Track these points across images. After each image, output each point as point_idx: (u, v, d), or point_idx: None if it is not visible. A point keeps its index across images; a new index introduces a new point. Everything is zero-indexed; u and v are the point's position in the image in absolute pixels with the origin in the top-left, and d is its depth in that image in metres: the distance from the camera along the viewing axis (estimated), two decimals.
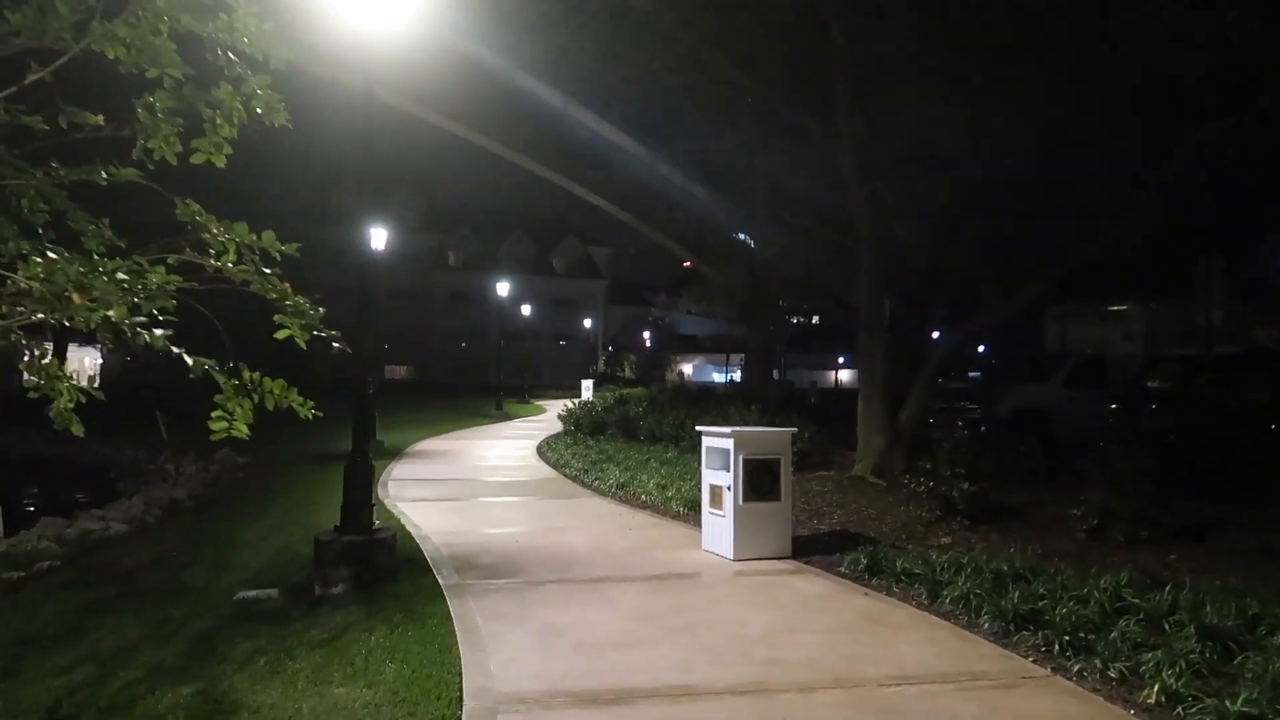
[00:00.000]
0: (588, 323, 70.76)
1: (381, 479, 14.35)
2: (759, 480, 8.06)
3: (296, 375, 3.72)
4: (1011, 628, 5.58)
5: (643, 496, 12.11)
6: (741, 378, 49.18)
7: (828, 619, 6.04)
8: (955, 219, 10.96)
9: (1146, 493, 7.89)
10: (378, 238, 19.22)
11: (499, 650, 5.20)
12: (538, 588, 6.84)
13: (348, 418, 7.58)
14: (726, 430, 8.13)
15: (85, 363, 64.77)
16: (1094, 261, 11.35)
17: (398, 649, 5.21)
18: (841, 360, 78.85)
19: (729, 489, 8.02)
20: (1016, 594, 5.91)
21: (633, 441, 19.58)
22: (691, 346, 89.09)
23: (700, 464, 8.69)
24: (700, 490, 8.87)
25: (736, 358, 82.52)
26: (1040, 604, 5.78)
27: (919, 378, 11.62)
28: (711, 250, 20.69)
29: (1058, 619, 5.47)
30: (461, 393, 46.15)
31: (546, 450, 19.18)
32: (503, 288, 34.10)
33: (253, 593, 7.22)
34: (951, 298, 11.99)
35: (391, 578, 7.05)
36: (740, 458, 7.99)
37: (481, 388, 43.92)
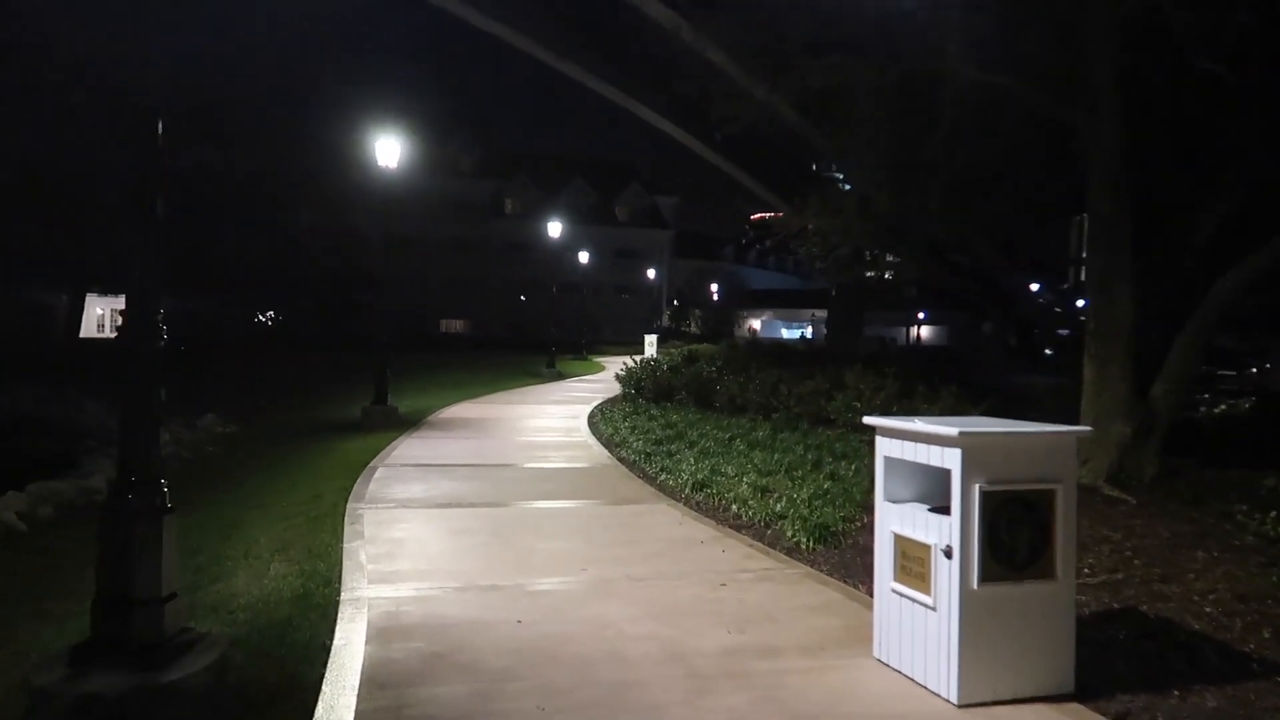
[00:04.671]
0: (651, 274, 66.32)
1: (374, 462, 10.56)
2: (1014, 535, 3.83)
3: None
4: None
5: (734, 507, 7.97)
6: (827, 333, 44.57)
7: None
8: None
9: None
10: (386, 153, 15.32)
11: None
12: None
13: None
14: (947, 430, 3.84)
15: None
16: None
17: None
18: (922, 315, 73.39)
19: (945, 551, 3.82)
20: None
21: (707, 410, 15.46)
22: (760, 301, 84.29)
23: (875, 488, 4.46)
24: (876, 540, 4.69)
25: (807, 313, 77.59)
26: None
27: (1188, 330, 7.14)
28: (807, 191, 16.01)
29: None
30: (518, 348, 42.67)
31: (600, 421, 15.16)
32: (554, 228, 29.88)
33: None
34: (1237, 201, 7.43)
35: None
36: (976, 488, 3.75)
37: (539, 343, 40.26)
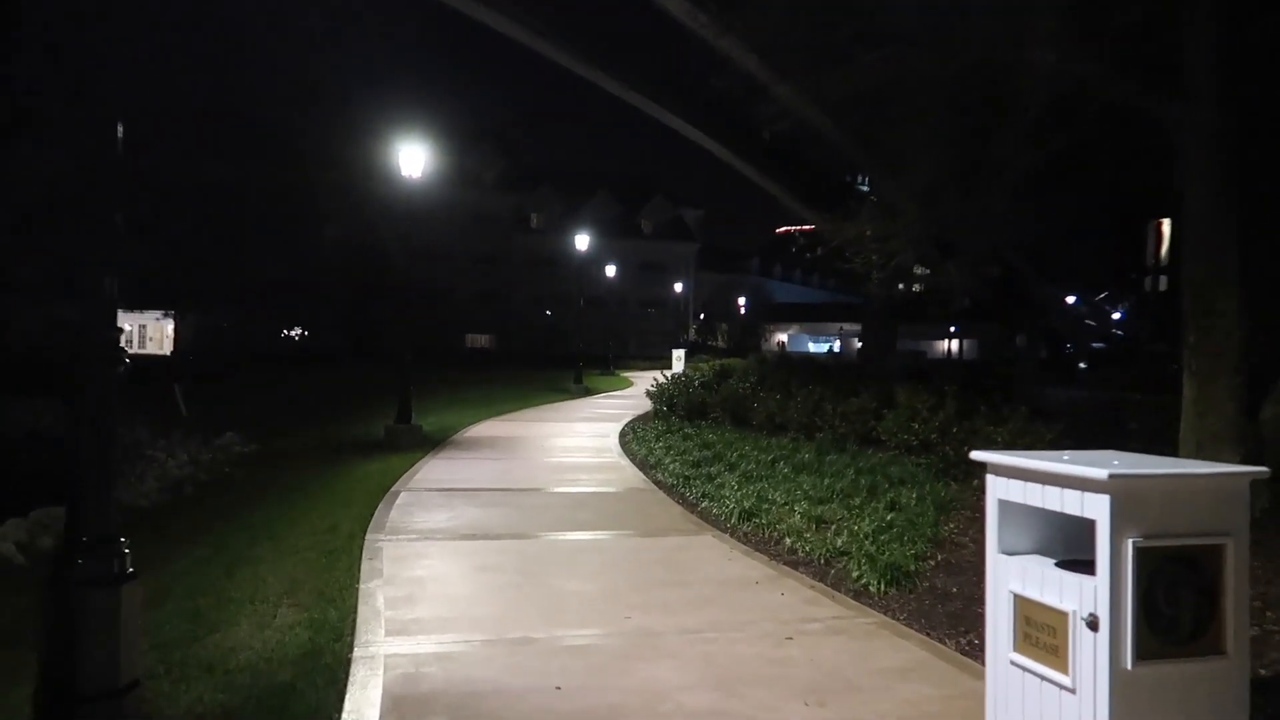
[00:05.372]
0: (678, 288, 65.65)
1: (396, 485, 9.94)
2: (1175, 601, 3.09)
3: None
4: None
5: (788, 540, 7.22)
6: (862, 347, 43.66)
7: None
8: None
9: None
10: (411, 162, 14.76)
11: None
12: None
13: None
14: (1093, 471, 3.09)
15: (167, 329, 63.64)
16: None
17: None
18: (953, 329, 72.12)
19: (1088, 621, 3.08)
20: None
21: (744, 429, 14.72)
22: (787, 315, 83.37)
23: (987, 537, 3.71)
24: (988, 599, 3.94)
25: (834, 326, 76.54)
26: None
27: None
28: (860, 199, 15.27)
29: None
30: (543, 363, 42.09)
31: (632, 440, 14.47)
32: (582, 241, 29.35)
33: None
34: None
35: None
36: (1129, 544, 3.02)
37: (564, 358, 39.75)
